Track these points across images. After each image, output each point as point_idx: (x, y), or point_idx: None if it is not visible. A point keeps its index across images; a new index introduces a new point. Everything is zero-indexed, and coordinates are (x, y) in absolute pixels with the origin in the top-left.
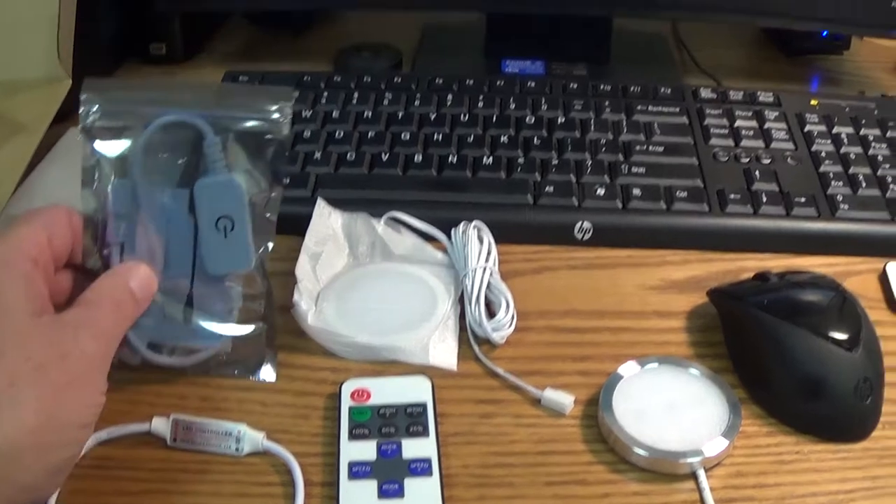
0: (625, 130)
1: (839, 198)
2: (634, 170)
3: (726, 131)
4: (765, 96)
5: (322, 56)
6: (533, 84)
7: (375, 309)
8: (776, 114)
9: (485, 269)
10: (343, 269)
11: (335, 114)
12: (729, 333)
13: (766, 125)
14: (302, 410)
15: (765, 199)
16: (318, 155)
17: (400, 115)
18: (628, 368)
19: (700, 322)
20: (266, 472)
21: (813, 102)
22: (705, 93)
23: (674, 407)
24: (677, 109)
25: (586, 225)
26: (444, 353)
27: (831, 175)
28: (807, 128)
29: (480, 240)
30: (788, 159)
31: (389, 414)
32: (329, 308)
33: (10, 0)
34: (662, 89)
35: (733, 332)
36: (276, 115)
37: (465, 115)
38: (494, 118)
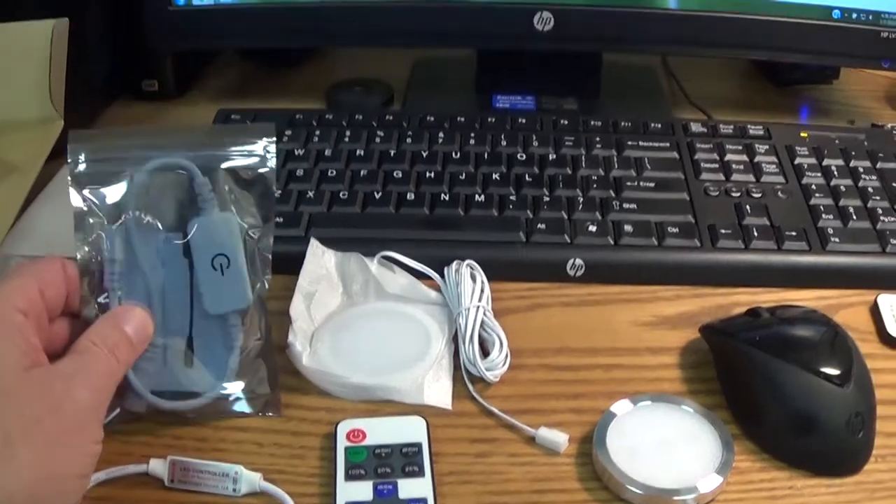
0: (616, 166)
1: (830, 231)
2: (626, 206)
3: (717, 166)
4: (755, 129)
5: (314, 91)
6: (524, 120)
7: (370, 349)
8: (766, 147)
9: (478, 307)
10: (337, 308)
11: (328, 152)
12: (721, 370)
13: (757, 159)
14: (298, 451)
15: (756, 234)
16: (311, 193)
17: (392, 152)
18: (622, 406)
19: (693, 358)
20: None
21: (803, 134)
22: (696, 127)
23: (667, 444)
24: (668, 144)
25: (578, 262)
26: (439, 392)
27: (822, 208)
28: (797, 160)
29: (473, 278)
30: (779, 193)
31: (385, 454)
32: (324, 348)
33: (1, 41)
34: (653, 124)
35: (726, 368)
36: (261, 151)
37: (456, 153)
38: (486, 155)
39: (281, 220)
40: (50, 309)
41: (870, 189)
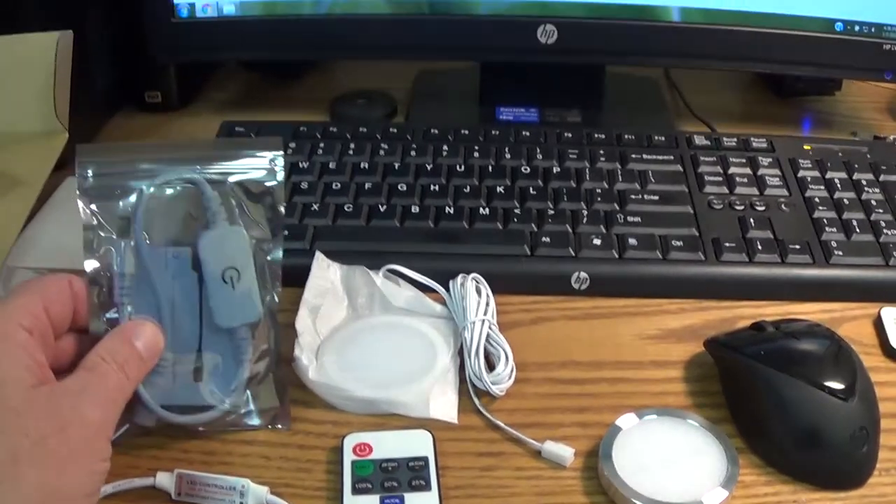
0: (620, 179)
1: (833, 244)
2: (630, 219)
3: (721, 179)
4: (758, 142)
5: (317, 103)
6: (528, 133)
7: (376, 362)
8: (770, 160)
9: (483, 321)
10: (342, 321)
11: (332, 165)
12: (726, 383)
13: (760, 171)
14: (305, 464)
15: (760, 247)
16: (315, 206)
17: (396, 165)
18: (627, 420)
19: (697, 371)
20: None
21: (806, 147)
22: (699, 140)
23: (673, 458)
24: (671, 157)
25: (583, 275)
26: (445, 406)
27: (825, 221)
28: (800, 173)
29: (479, 292)
30: (782, 206)
31: (392, 468)
32: (329, 362)
33: (6, 53)
34: (656, 137)
35: (731, 382)
36: (269, 165)
37: (461, 166)
38: (490, 168)
39: (286, 232)
40: (56, 326)
41: (873, 202)
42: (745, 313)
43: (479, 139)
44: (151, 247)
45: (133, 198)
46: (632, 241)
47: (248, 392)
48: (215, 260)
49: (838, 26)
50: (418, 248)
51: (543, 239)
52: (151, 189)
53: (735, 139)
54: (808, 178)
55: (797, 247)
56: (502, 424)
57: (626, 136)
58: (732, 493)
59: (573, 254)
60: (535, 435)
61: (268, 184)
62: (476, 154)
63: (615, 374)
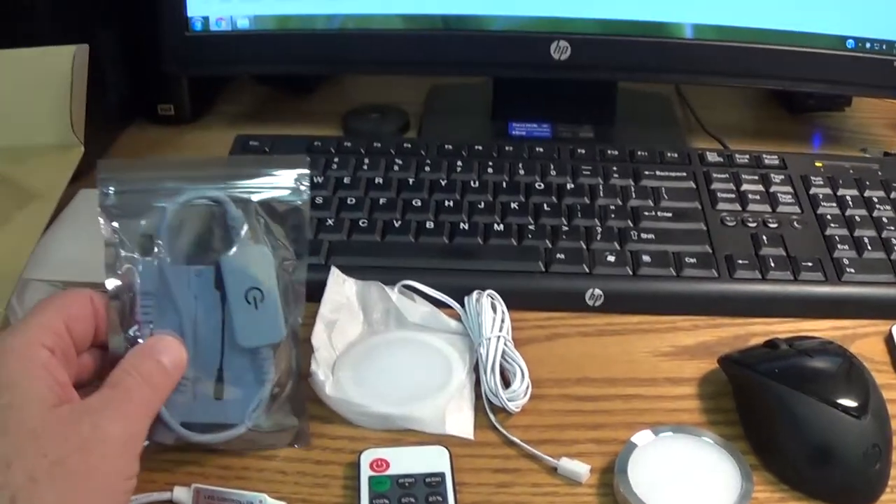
0: (633, 196)
1: (845, 261)
2: (644, 236)
3: (733, 195)
4: (770, 159)
5: (330, 116)
6: (541, 149)
7: (392, 378)
8: (782, 177)
9: (499, 338)
10: (358, 337)
11: (346, 180)
12: (740, 401)
13: (773, 189)
14: (321, 479)
15: (772, 264)
16: (330, 221)
17: (411, 181)
18: (643, 437)
19: (711, 389)
20: None
21: (818, 164)
22: (712, 156)
23: (688, 475)
24: (684, 174)
25: (597, 292)
26: (461, 422)
27: (837, 238)
28: (812, 190)
29: (494, 308)
30: (794, 223)
31: (409, 484)
32: (346, 377)
33: (23, 67)
34: (669, 154)
35: (744, 399)
36: (294, 184)
37: (475, 182)
38: (504, 184)
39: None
40: (77, 343)
41: (884, 219)
42: (758, 330)
43: (493, 155)
44: (174, 265)
45: (156, 215)
46: (645, 257)
47: (268, 412)
48: (239, 279)
49: (850, 43)
50: (433, 264)
51: (558, 255)
52: (175, 207)
53: (747, 156)
54: (820, 196)
55: (809, 264)
56: (518, 441)
57: (639, 153)
58: None
59: (587, 270)
60: (551, 451)
61: (293, 203)
62: (490, 170)
63: (629, 391)
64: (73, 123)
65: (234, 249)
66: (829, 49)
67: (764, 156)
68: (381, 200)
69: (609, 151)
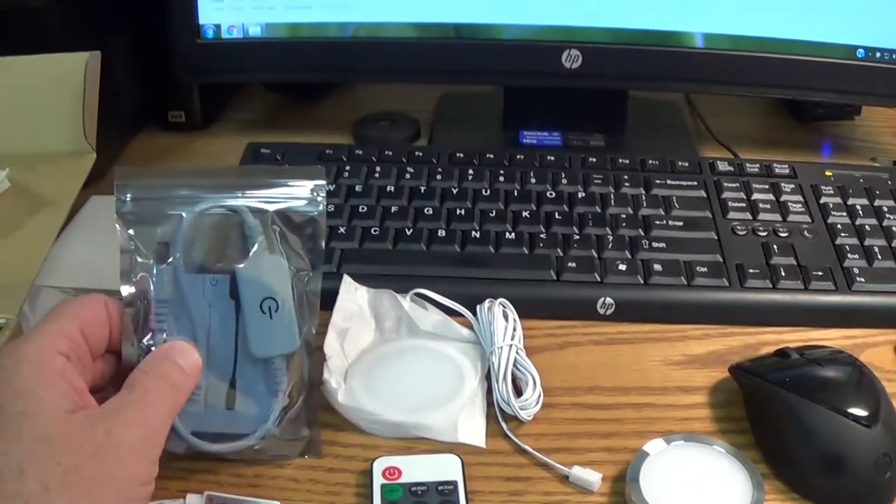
0: (644, 205)
1: (855, 270)
2: (655, 245)
3: (744, 204)
4: (780, 168)
5: (340, 124)
6: (552, 158)
7: (404, 386)
8: (792, 186)
9: (511, 346)
10: (370, 345)
11: (358, 188)
12: (751, 409)
13: (783, 198)
14: (334, 487)
15: (783, 273)
16: (342, 229)
17: (422, 189)
18: (655, 445)
19: (722, 397)
20: None
21: (828, 173)
22: (722, 165)
23: (699, 483)
24: (695, 183)
25: (608, 301)
26: (473, 430)
27: (847, 248)
28: (822, 199)
29: (506, 317)
30: (805, 232)
31: (421, 492)
32: (358, 385)
33: (35, 74)
34: (680, 162)
35: (755, 408)
36: (310, 194)
37: (486, 190)
38: (516, 193)
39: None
40: (93, 348)
41: (894, 228)
42: (769, 339)
43: (504, 163)
44: (189, 273)
45: (172, 223)
46: (657, 266)
47: (280, 422)
48: (254, 289)
49: (860, 53)
50: (445, 273)
51: (569, 264)
52: (192, 215)
53: (758, 165)
54: (831, 205)
55: (820, 273)
56: (530, 449)
57: (650, 162)
58: None
59: (599, 279)
60: (563, 460)
61: (309, 213)
62: (501, 178)
63: (641, 400)
64: (86, 130)
65: (250, 259)
66: (839, 58)
67: (774, 165)
68: (393, 208)
69: (620, 160)
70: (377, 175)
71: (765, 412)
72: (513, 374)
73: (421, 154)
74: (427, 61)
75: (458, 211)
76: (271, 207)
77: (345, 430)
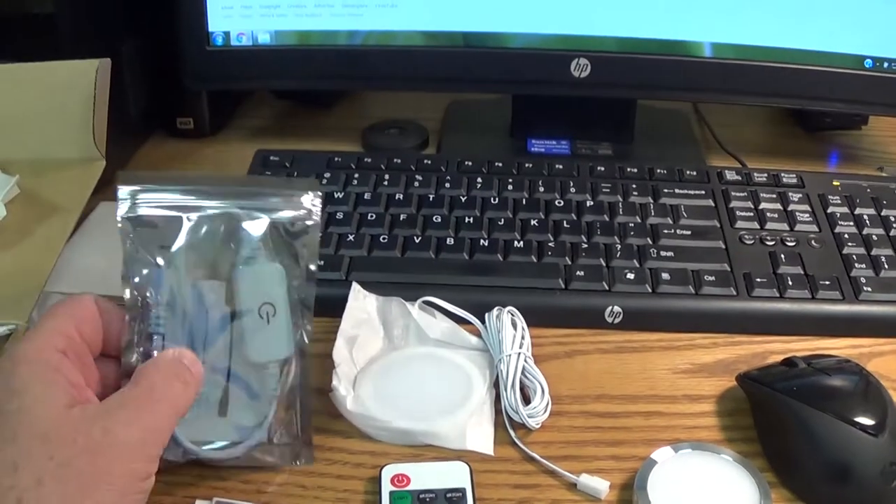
0: (652, 213)
1: (862, 280)
2: (663, 254)
3: (752, 214)
4: (788, 177)
5: (349, 131)
6: (561, 166)
7: (412, 393)
8: (799, 195)
9: (519, 354)
10: (378, 352)
11: (367, 195)
12: (758, 418)
13: (791, 207)
14: (342, 494)
15: (790, 283)
16: (351, 237)
17: (431, 197)
18: (663, 454)
19: (730, 406)
20: None
21: (835, 183)
22: (730, 175)
23: (707, 492)
24: (703, 192)
25: (616, 309)
26: (481, 437)
27: (854, 257)
28: (829, 209)
29: (514, 325)
30: (812, 242)
31: (430, 499)
32: (366, 393)
33: (46, 80)
34: (688, 171)
35: (762, 417)
36: (307, 205)
37: (495, 198)
38: (524, 201)
39: (322, 263)
40: (90, 346)
41: None
42: (776, 348)
43: (513, 172)
44: (188, 278)
45: (172, 229)
46: (664, 275)
47: (273, 429)
48: (251, 295)
49: (868, 63)
50: (453, 280)
51: (577, 272)
52: (192, 221)
53: (765, 174)
54: (838, 215)
55: (827, 283)
56: (538, 457)
57: (658, 171)
58: None
59: (607, 288)
60: (571, 467)
61: (306, 223)
62: (510, 186)
63: (649, 408)
64: (95, 137)
65: (247, 266)
66: (847, 68)
67: (782, 174)
68: (402, 216)
69: (628, 169)
70: (386, 183)
71: (772, 421)
72: (521, 382)
73: (429, 162)
74: (436, 69)
75: (466, 219)
76: (269, 216)
77: (353, 437)
